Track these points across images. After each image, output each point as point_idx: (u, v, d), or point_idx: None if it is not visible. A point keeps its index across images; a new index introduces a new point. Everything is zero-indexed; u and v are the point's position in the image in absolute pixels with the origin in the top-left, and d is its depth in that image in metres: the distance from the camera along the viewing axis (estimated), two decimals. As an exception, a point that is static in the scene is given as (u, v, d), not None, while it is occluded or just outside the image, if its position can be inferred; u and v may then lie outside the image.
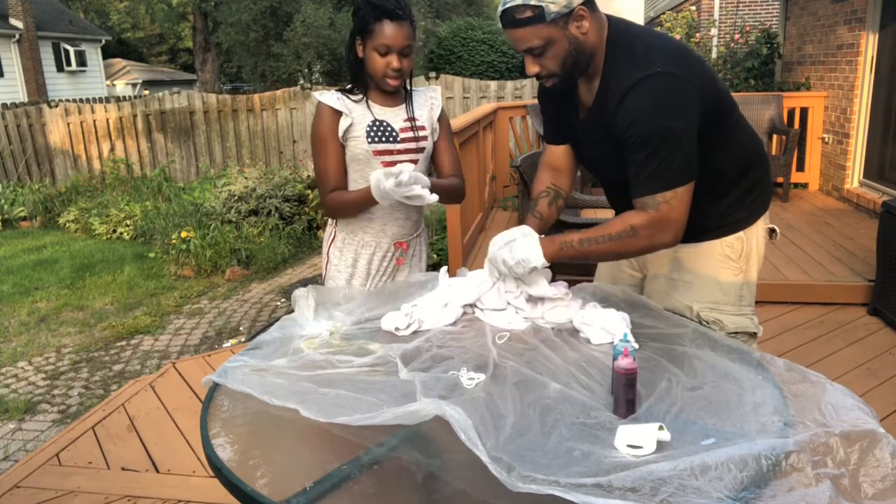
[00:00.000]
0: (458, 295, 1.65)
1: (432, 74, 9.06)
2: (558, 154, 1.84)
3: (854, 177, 5.57)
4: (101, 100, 13.12)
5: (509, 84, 8.87)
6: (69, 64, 20.75)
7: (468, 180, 4.73)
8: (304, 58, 13.59)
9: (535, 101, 7.72)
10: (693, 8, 10.79)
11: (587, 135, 1.67)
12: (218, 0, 17.90)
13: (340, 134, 1.92)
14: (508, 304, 1.63)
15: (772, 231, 1.77)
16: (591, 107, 1.59)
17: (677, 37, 8.93)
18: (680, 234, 1.51)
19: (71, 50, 20.69)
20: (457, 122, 4.31)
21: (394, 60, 1.83)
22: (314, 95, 1.97)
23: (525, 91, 8.75)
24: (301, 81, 13.41)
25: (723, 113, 1.57)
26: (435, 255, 4.93)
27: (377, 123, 1.94)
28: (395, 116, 1.97)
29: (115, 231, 7.19)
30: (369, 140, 1.92)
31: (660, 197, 1.47)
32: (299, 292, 1.71)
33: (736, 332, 1.69)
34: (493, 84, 8.92)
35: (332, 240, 2.08)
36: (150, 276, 5.72)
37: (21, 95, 17.80)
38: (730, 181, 1.65)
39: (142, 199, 7.88)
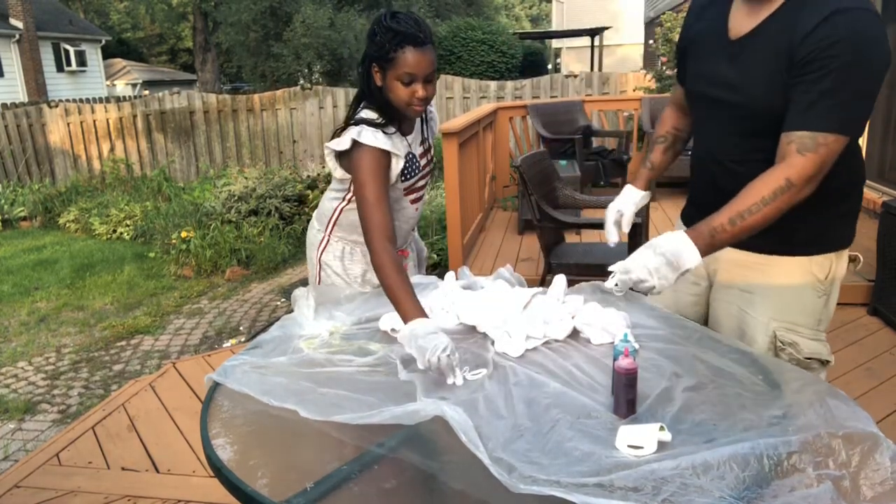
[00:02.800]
0: (463, 312, 1.60)
1: (432, 74, 9.06)
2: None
3: (854, 177, 5.56)
4: (101, 100, 13.13)
5: (509, 84, 8.88)
6: (69, 64, 20.75)
7: (468, 180, 4.74)
8: (304, 58, 13.59)
9: (535, 101, 7.72)
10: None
11: (736, 56, 1.47)
12: (218, 0, 17.90)
13: (393, 179, 1.77)
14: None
15: (852, 259, 1.64)
16: (759, 26, 1.42)
17: (676, 37, 8.91)
18: (815, 188, 1.36)
19: (71, 50, 20.69)
20: (457, 122, 4.32)
21: (419, 89, 1.66)
22: (357, 139, 1.69)
23: (525, 91, 8.74)
24: (301, 81, 13.41)
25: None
26: (435, 256, 4.93)
27: (409, 157, 1.82)
28: (415, 143, 1.86)
29: (115, 231, 7.19)
30: (403, 178, 1.81)
31: (822, 138, 1.30)
32: (299, 292, 1.71)
33: (810, 359, 1.55)
34: (493, 84, 8.92)
35: (325, 247, 1.97)
36: (150, 276, 5.71)
37: (21, 95, 17.80)
38: (834, 192, 1.46)
39: (142, 199, 7.88)
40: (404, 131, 1.82)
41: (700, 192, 1.67)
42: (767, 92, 1.40)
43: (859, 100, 1.32)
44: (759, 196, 1.33)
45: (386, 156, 1.72)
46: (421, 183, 1.91)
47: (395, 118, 1.76)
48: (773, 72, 1.38)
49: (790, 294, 1.53)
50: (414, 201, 1.92)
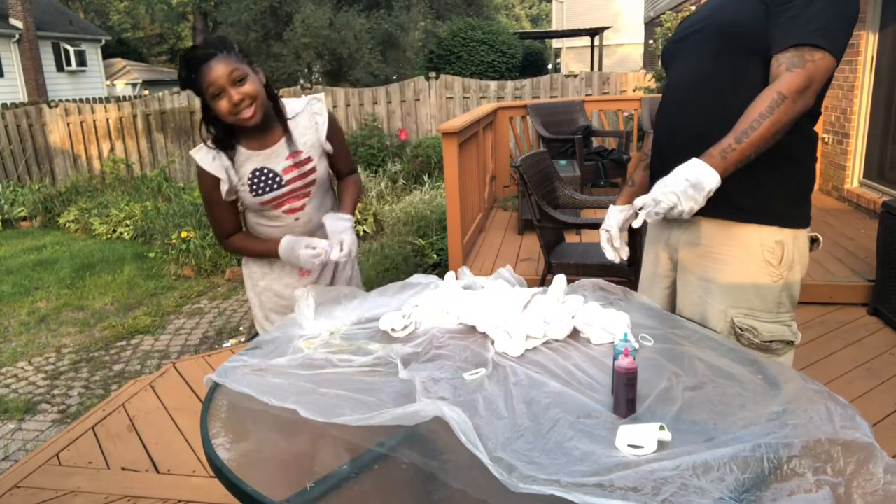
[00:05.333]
0: (463, 312, 1.60)
1: (432, 75, 9.06)
2: None
3: (854, 177, 5.57)
4: (101, 100, 13.13)
5: (509, 84, 8.87)
6: (69, 64, 20.74)
7: (468, 180, 4.74)
8: (304, 58, 13.59)
9: (535, 101, 7.72)
10: (693, 8, 10.78)
11: (709, 5, 1.65)
12: (218, 0, 17.90)
13: (224, 196, 1.86)
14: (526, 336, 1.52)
15: (813, 240, 1.66)
16: None
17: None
18: (811, 103, 1.45)
19: (71, 50, 20.68)
20: (456, 122, 4.31)
21: (233, 94, 1.71)
22: (192, 154, 1.88)
23: (525, 91, 8.74)
24: (301, 81, 13.42)
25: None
26: (435, 256, 4.93)
27: (257, 174, 1.85)
28: (276, 158, 1.86)
29: (115, 231, 7.19)
30: (253, 193, 1.86)
31: (808, 55, 1.41)
32: (299, 292, 1.71)
33: (770, 341, 1.61)
34: (493, 84, 8.91)
35: (244, 261, 2.08)
36: (150, 276, 5.72)
37: (21, 95, 17.80)
38: (783, 147, 1.49)
39: (142, 199, 7.88)
40: (263, 144, 1.86)
41: (660, 167, 1.67)
42: (741, 11, 1.52)
43: (843, 19, 1.44)
44: (758, 112, 1.42)
45: (213, 178, 1.84)
46: (292, 197, 1.90)
47: (236, 136, 1.85)
48: (751, 1, 1.50)
49: (746, 282, 1.61)
50: (290, 212, 1.92)
